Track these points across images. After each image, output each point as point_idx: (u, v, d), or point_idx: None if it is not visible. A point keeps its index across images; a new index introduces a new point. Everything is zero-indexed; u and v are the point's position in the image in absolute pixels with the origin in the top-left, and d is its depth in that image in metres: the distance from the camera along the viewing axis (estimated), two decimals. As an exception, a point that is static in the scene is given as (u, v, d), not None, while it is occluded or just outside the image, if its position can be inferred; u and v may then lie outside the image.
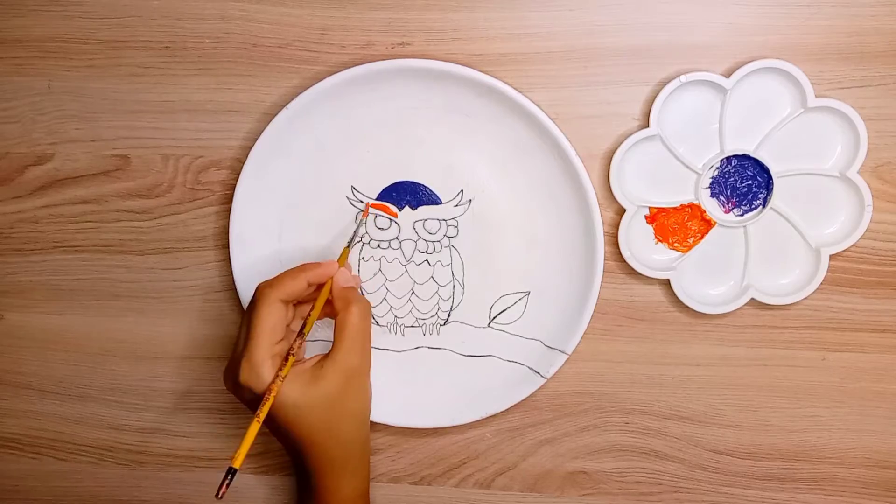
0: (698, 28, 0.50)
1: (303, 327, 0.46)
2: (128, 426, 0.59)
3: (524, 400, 0.54)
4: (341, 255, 0.50)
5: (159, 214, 0.56)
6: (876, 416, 0.54)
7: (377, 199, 0.53)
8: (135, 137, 0.54)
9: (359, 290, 0.53)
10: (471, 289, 0.54)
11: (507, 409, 0.54)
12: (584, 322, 0.52)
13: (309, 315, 0.47)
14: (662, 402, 0.55)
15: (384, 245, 0.54)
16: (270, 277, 0.46)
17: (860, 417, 0.54)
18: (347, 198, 0.53)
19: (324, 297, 0.47)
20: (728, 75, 0.49)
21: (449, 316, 0.55)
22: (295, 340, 0.46)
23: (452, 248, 0.54)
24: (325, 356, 0.46)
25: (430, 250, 0.54)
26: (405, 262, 0.54)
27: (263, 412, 0.44)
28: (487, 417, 0.54)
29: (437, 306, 0.55)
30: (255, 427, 0.43)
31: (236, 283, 0.54)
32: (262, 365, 0.44)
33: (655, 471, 0.56)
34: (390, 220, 0.53)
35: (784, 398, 0.54)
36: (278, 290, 0.46)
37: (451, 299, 0.54)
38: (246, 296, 0.54)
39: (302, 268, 0.47)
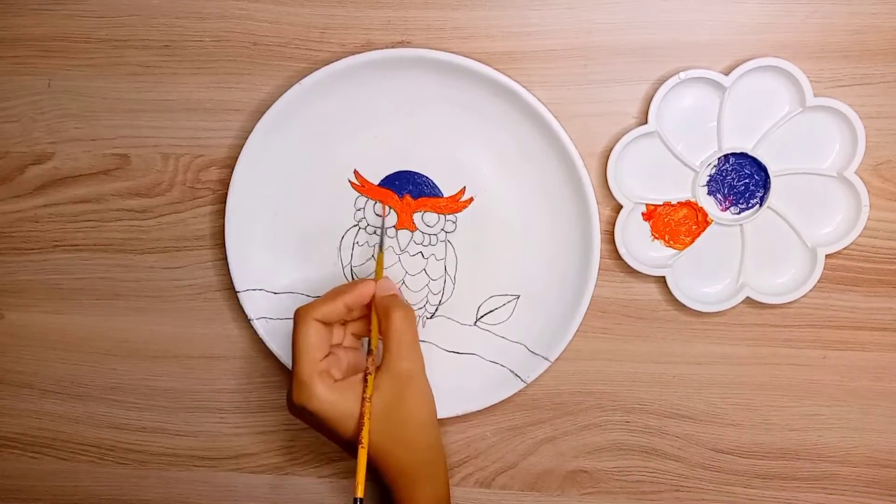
0: (698, 26, 0.50)
1: (369, 344, 0.47)
2: (128, 425, 0.59)
3: (524, 399, 0.54)
4: (377, 267, 0.51)
5: (159, 213, 0.56)
6: (877, 415, 0.54)
7: (379, 186, 0.53)
8: (135, 136, 0.55)
9: (401, 297, 0.52)
10: (461, 285, 0.54)
11: (508, 408, 0.54)
12: (571, 331, 0.52)
13: (370, 331, 0.48)
14: (663, 400, 0.55)
15: (380, 232, 0.54)
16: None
17: (861, 416, 0.54)
18: (349, 181, 0.53)
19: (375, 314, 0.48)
20: (727, 73, 0.49)
21: (437, 310, 0.54)
22: (368, 359, 0.46)
23: (448, 244, 0.53)
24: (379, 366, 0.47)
25: (426, 243, 0.54)
26: (399, 252, 0.54)
27: (365, 437, 0.44)
28: (463, 415, 0.54)
29: (425, 299, 0.54)
30: (363, 454, 0.44)
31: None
32: (309, 383, 0.45)
33: (656, 469, 0.56)
34: (389, 207, 0.53)
35: (785, 397, 0.54)
36: (314, 312, 0.46)
37: (441, 294, 0.54)
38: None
39: (339, 290, 0.47)
